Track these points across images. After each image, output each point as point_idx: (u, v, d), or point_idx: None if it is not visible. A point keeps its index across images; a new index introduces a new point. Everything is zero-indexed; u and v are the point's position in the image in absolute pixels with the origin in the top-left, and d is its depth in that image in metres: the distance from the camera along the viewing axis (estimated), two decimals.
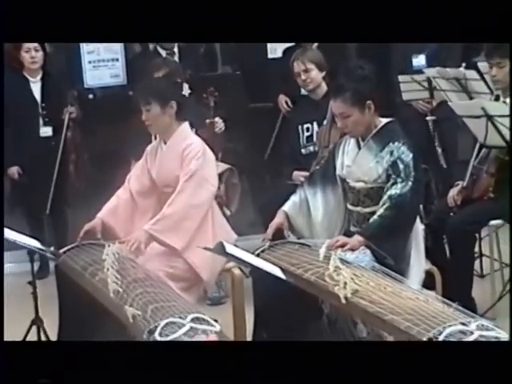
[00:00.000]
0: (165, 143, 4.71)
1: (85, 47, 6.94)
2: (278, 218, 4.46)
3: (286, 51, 6.57)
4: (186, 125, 4.76)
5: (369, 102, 4.21)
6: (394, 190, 4.13)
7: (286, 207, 4.50)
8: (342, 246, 4.07)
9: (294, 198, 4.54)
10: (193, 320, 3.34)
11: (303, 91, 5.69)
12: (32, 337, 4.32)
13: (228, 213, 5.37)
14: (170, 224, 4.48)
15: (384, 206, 4.12)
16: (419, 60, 6.26)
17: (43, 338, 4.33)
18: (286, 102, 6.42)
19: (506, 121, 4.50)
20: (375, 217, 4.14)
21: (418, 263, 4.23)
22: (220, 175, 4.91)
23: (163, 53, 6.48)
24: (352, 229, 4.36)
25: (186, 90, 5.71)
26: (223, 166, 5.33)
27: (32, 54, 6.23)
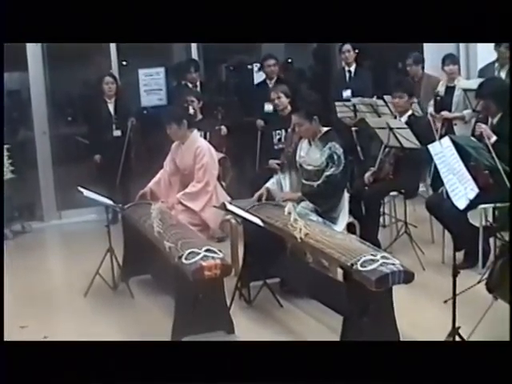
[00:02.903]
0: (183, 144, 4.71)
1: (141, 82, 6.83)
2: (261, 190, 4.52)
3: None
4: (195, 132, 4.77)
5: (315, 117, 4.19)
6: (329, 172, 4.14)
7: (269, 184, 4.57)
8: (288, 198, 4.27)
9: (273, 180, 4.61)
10: (206, 250, 3.32)
11: (273, 109, 5.64)
12: (106, 261, 4.26)
13: (224, 184, 5.35)
14: (192, 196, 4.58)
15: (320, 180, 4.18)
16: (347, 92, 6.21)
17: (114, 262, 4.27)
18: (260, 123, 6.24)
19: (401, 131, 4.47)
20: (314, 185, 4.21)
21: (344, 217, 4.23)
22: (219, 161, 4.92)
23: (190, 85, 6.39)
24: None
25: (198, 115, 5.64)
26: (219, 155, 5.28)
27: (109, 86, 6.17)
